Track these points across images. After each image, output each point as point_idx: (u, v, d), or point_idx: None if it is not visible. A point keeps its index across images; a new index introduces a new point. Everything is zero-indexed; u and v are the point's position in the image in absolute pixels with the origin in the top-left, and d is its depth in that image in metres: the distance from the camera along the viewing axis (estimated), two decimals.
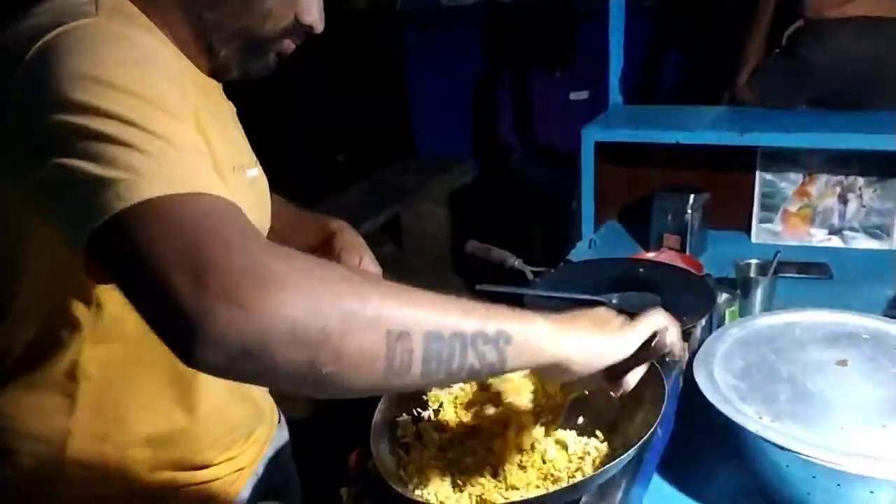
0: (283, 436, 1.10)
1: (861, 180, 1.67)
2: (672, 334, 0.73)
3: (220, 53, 0.78)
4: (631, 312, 0.71)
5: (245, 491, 0.96)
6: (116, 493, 0.84)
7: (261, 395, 0.97)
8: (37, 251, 0.71)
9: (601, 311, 0.71)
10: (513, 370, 0.61)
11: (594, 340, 0.66)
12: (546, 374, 0.69)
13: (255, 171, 0.90)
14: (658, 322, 0.72)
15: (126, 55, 0.63)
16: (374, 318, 0.53)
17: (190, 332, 0.49)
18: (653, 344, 0.71)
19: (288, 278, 0.51)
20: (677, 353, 0.74)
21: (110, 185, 0.55)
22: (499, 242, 1.36)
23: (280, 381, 0.54)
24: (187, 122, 0.63)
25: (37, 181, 0.61)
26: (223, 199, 0.58)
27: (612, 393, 0.73)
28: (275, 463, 1.04)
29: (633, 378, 0.72)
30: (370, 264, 1.01)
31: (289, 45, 0.81)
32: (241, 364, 0.50)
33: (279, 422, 1.09)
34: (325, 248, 1.01)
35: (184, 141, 0.60)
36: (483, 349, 0.57)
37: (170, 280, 0.50)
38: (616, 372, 0.71)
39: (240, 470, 0.94)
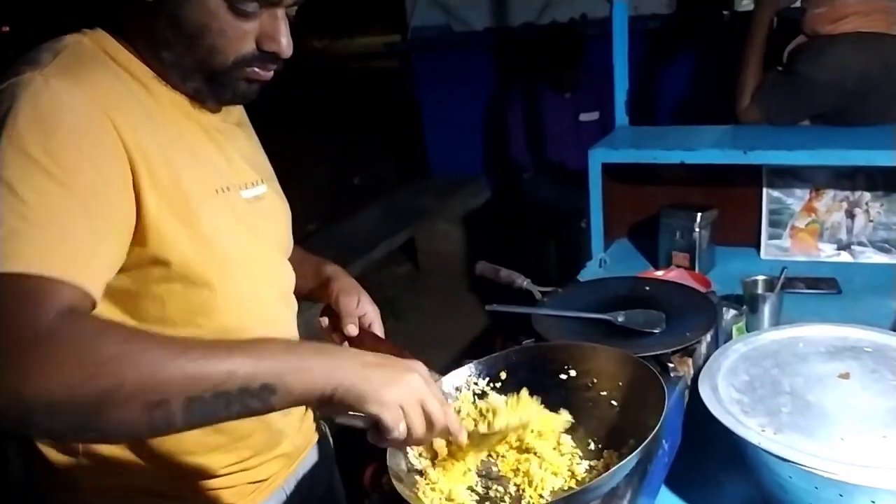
0: (320, 454, 1.12)
1: (867, 195, 1.69)
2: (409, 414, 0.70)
3: (187, 87, 0.84)
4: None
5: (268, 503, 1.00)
6: (134, 487, 0.89)
7: (276, 418, 0.99)
8: None
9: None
10: (284, 409, 0.67)
11: (369, 369, 0.69)
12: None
13: (261, 190, 0.93)
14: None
15: (43, 117, 0.69)
16: (130, 395, 0.60)
17: None
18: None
19: (46, 361, 0.59)
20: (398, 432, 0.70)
21: None
22: (512, 261, 1.40)
23: (51, 437, 0.68)
24: (88, 182, 0.70)
25: None
26: (55, 281, 0.64)
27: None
28: (311, 481, 1.08)
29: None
30: (367, 304, 1.05)
31: (256, 73, 0.85)
32: (22, 428, 0.63)
33: (319, 441, 1.12)
34: (322, 292, 1.06)
35: (61, 217, 0.67)
36: (248, 402, 0.63)
37: None
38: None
39: (258, 482, 0.98)
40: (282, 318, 0.98)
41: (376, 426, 0.69)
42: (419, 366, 0.74)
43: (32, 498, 0.94)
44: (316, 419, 1.16)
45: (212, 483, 0.93)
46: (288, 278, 1.01)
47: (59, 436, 0.65)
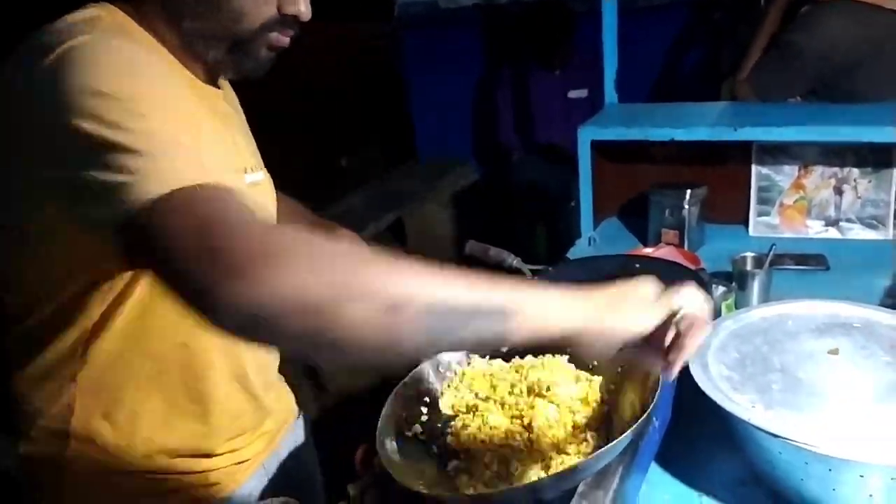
0: (299, 434, 1.12)
1: (856, 171, 1.69)
2: (697, 307, 0.70)
3: (209, 57, 0.83)
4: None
5: (249, 484, 0.99)
6: (119, 473, 0.88)
7: (264, 393, 0.99)
8: (49, 239, 0.75)
9: (633, 284, 0.70)
10: (520, 342, 0.62)
11: (604, 315, 0.65)
12: (568, 343, 0.66)
13: (259, 177, 0.94)
14: (685, 297, 0.70)
15: (121, 67, 0.69)
16: (369, 290, 0.56)
17: (206, 306, 0.57)
18: (675, 320, 0.68)
19: (287, 254, 0.56)
20: (704, 327, 0.69)
21: (122, 189, 0.62)
22: (502, 242, 1.39)
23: (290, 345, 0.61)
24: (184, 118, 0.69)
25: (57, 181, 0.68)
26: (223, 187, 0.63)
27: (660, 372, 0.71)
28: (291, 461, 1.08)
29: (678, 355, 0.68)
30: None
31: (278, 38, 0.84)
32: (253, 329, 0.57)
33: (297, 419, 1.11)
34: None
35: (181, 137, 0.66)
36: (485, 324, 0.59)
37: (184, 265, 0.58)
38: (655, 347, 0.69)
39: (242, 462, 0.97)
40: None
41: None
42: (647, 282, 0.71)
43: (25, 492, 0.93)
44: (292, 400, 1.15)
45: (202, 463, 0.92)
46: None
47: (294, 337, 0.57)
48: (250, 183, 0.91)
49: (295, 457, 1.09)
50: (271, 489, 1.03)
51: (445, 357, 0.93)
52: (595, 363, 0.90)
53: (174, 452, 0.90)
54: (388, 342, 0.57)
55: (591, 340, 0.65)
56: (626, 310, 0.67)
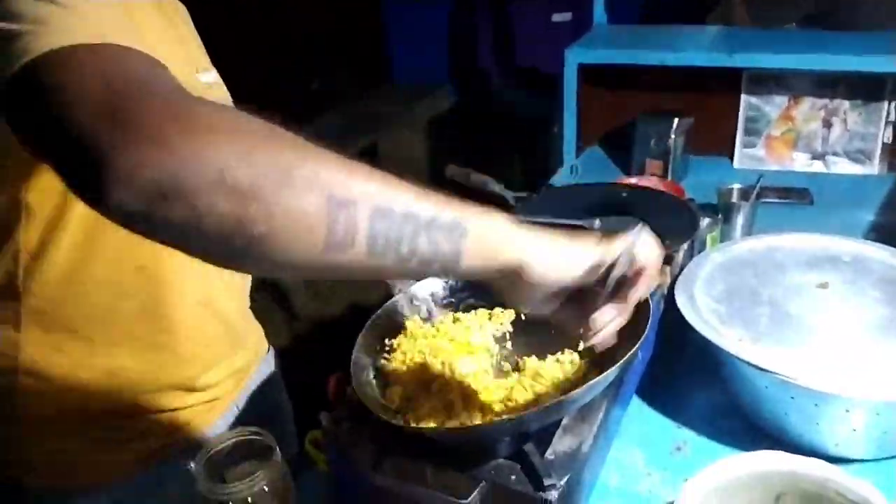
0: (269, 368, 1.08)
1: (846, 104, 1.65)
2: (649, 253, 0.63)
3: None
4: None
5: (219, 423, 0.96)
6: (73, 411, 0.83)
7: (237, 319, 0.95)
8: None
9: (581, 233, 0.62)
10: (468, 270, 0.54)
11: (558, 247, 0.58)
12: (503, 286, 0.59)
13: (211, 77, 0.86)
14: (637, 240, 0.63)
15: None
16: (315, 179, 0.46)
17: (98, 177, 0.43)
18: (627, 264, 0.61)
19: (220, 123, 0.45)
20: (652, 277, 0.64)
21: (17, 39, 0.50)
22: (478, 169, 1.33)
23: (205, 239, 0.45)
24: None
25: None
26: (146, 55, 0.51)
27: (581, 341, 0.64)
28: (261, 395, 1.04)
29: (603, 319, 0.62)
30: None
31: None
32: (158, 209, 0.43)
33: (267, 353, 1.07)
34: None
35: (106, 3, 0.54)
36: (437, 237, 0.51)
37: (78, 127, 0.44)
38: (586, 309, 0.63)
39: (213, 401, 0.93)
40: None
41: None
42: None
43: None
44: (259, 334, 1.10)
45: (174, 402, 0.88)
46: None
47: (213, 225, 0.44)
48: (204, 83, 0.83)
49: (264, 391, 1.05)
50: (241, 423, 0.99)
51: (419, 291, 0.88)
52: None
53: (140, 388, 0.85)
54: (329, 245, 0.47)
55: (539, 276, 0.57)
56: (577, 244, 0.60)
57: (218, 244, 0.45)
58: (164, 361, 0.85)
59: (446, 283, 0.91)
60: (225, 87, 0.92)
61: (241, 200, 0.43)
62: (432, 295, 0.90)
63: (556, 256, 0.58)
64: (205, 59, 0.86)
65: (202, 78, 0.82)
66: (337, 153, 0.49)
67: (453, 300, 0.91)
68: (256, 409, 1.02)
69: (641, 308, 0.75)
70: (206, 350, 0.89)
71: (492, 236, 0.54)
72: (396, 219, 0.49)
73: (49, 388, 0.80)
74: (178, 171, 0.42)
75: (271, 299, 2.76)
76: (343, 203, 0.46)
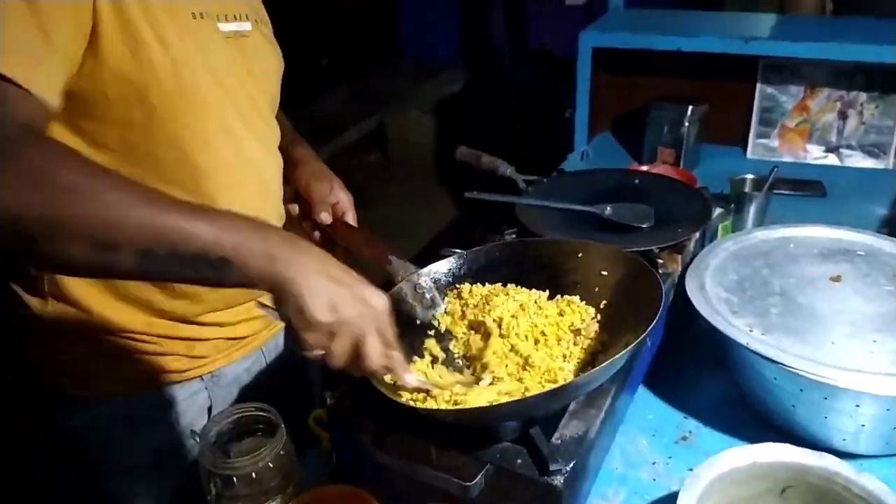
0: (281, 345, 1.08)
1: (863, 96, 1.62)
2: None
3: None
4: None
5: (242, 363, 0.97)
6: (91, 328, 0.84)
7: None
8: None
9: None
10: (232, 287, 0.61)
11: (324, 279, 0.61)
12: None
13: (245, 27, 0.85)
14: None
15: None
16: (82, 231, 0.55)
17: None
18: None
19: (2, 175, 0.53)
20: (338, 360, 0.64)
21: None
22: (487, 152, 1.31)
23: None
24: None
25: None
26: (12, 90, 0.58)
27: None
28: (292, 359, 1.05)
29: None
30: (340, 191, 0.98)
31: None
32: None
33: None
34: (289, 173, 0.98)
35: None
36: (202, 269, 0.58)
37: None
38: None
39: (233, 339, 0.94)
40: (264, 166, 0.90)
41: (294, 333, 0.63)
42: (380, 299, 0.64)
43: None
44: None
45: (184, 330, 0.89)
46: (271, 129, 0.92)
47: (5, 253, 0.58)
48: (229, 32, 0.82)
49: (294, 355, 1.05)
50: (268, 376, 1.01)
51: (422, 280, 0.87)
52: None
53: (151, 312, 0.86)
54: (103, 272, 0.58)
55: (295, 300, 0.60)
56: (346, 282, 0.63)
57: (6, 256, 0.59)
58: (176, 295, 0.86)
59: (448, 270, 0.91)
60: (267, 41, 0.90)
61: (22, 242, 0.55)
62: (436, 282, 0.89)
63: (321, 293, 0.61)
64: (236, 6, 0.84)
65: (222, 27, 0.81)
66: (127, 183, 0.58)
67: (457, 286, 0.90)
68: (283, 364, 1.03)
69: (652, 294, 0.75)
70: (209, 293, 0.89)
71: (254, 268, 0.59)
72: (162, 258, 0.57)
73: (68, 308, 0.83)
74: None
75: None
76: (107, 246, 0.56)
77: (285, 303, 0.61)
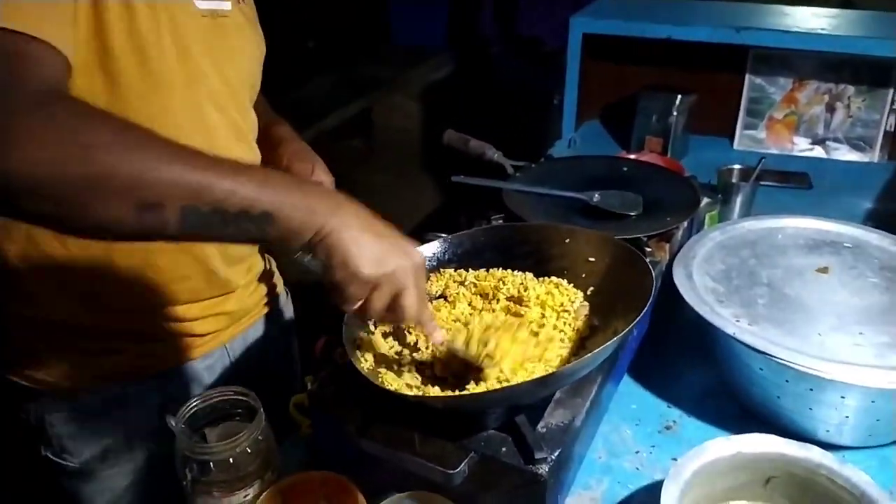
0: (277, 323, 1.06)
1: (851, 89, 1.62)
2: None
3: None
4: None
5: (204, 361, 0.94)
6: (53, 324, 0.83)
7: (218, 265, 0.91)
8: None
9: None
10: (274, 244, 0.60)
11: (369, 233, 0.61)
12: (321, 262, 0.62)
13: (223, 6, 0.81)
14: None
15: None
16: (122, 189, 0.52)
17: None
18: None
19: (36, 134, 0.50)
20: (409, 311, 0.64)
21: None
22: (474, 137, 1.29)
23: (38, 223, 0.56)
24: None
25: None
26: (23, 37, 0.55)
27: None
28: (262, 348, 1.02)
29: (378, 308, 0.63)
30: (322, 173, 0.96)
31: None
32: (2, 205, 0.51)
33: (276, 309, 1.05)
34: (270, 153, 0.95)
35: None
36: (245, 226, 0.57)
37: None
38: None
39: (196, 336, 0.91)
40: (237, 157, 0.86)
41: (334, 286, 0.62)
42: (418, 254, 0.65)
43: None
44: (278, 290, 1.08)
45: (141, 326, 0.86)
46: (247, 117, 0.89)
47: (41, 220, 0.54)
48: (205, 10, 0.78)
49: (264, 347, 1.03)
50: (234, 373, 0.97)
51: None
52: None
53: (109, 305, 0.84)
54: (143, 235, 0.55)
55: (339, 261, 0.60)
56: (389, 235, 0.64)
57: (47, 226, 0.56)
58: (133, 286, 0.84)
59: (433, 254, 0.89)
60: (249, 23, 0.87)
61: (56, 206, 0.51)
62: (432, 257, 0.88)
63: (365, 246, 0.61)
64: None
65: (204, 5, 0.78)
66: (165, 140, 0.55)
67: (440, 270, 0.88)
68: (251, 362, 1.00)
69: (642, 282, 0.74)
70: (178, 285, 0.87)
71: (296, 221, 0.58)
72: (205, 213, 0.54)
73: (28, 300, 0.82)
74: (11, 172, 0.49)
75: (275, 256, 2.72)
76: (150, 206, 0.53)
77: (329, 255, 0.60)
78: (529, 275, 0.86)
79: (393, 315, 0.65)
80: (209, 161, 0.56)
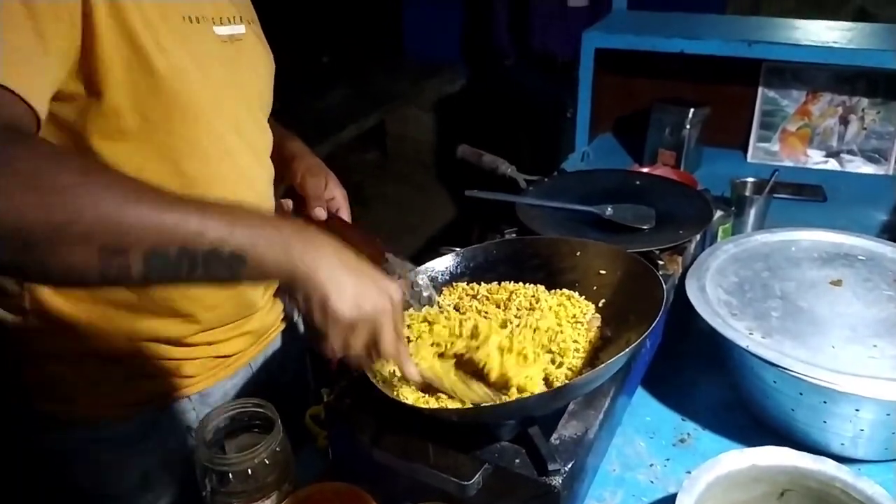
0: (291, 337, 1.07)
1: (865, 101, 1.62)
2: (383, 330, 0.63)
3: None
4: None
5: (231, 381, 0.95)
6: (82, 354, 0.83)
7: (249, 290, 0.92)
8: None
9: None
10: (247, 284, 0.60)
11: (346, 272, 0.60)
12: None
13: (239, 30, 0.82)
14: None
15: None
16: (86, 235, 0.50)
17: None
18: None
19: (8, 172, 0.49)
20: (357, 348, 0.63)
21: None
22: (487, 151, 1.30)
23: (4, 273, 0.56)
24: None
25: None
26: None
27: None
28: (280, 362, 1.03)
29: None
30: (335, 188, 0.96)
31: None
32: None
33: (290, 323, 1.06)
34: (283, 169, 0.96)
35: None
36: (214, 267, 0.55)
37: None
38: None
39: (222, 357, 0.93)
40: (256, 178, 0.88)
41: (314, 330, 0.62)
42: (395, 289, 0.65)
43: None
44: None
45: (173, 352, 0.87)
46: (263, 136, 0.90)
47: (2, 267, 0.53)
48: (225, 36, 0.80)
49: (282, 361, 1.04)
50: (254, 389, 0.98)
51: (420, 278, 0.87)
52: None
53: (140, 336, 0.84)
54: (109, 281, 0.53)
55: (320, 293, 0.59)
56: (366, 273, 0.63)
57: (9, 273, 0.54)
58: (160, 315, 0.84)
59: (445, 268, 0.90)
60: (260, 41, 0.88)
61: (17, 255, 0.50)
62: (433, 280, 0.89)
63: (343, 286, 0.59)
64: (231, 9, 0.82)
65: (219, 31, 0.79)
66: (129, 180, 0.53)
67: (453, 284, 0.89)
68: (272, 376, 1.01)
69: (653, 294, 0.74)
70: (209, 311, 0.88)
71: (269, 261, 0.56)
72: (172, 257, 0.53)
73: (55, 331, 0.81)
74: None
75: None
76: (116, 252, 0.51)
77: (307, 297, 0.59)
78: (541, 287, 0.87)
79: (370, 353, 0.64)
80: (176, 200, 0.54)
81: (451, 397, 0.71)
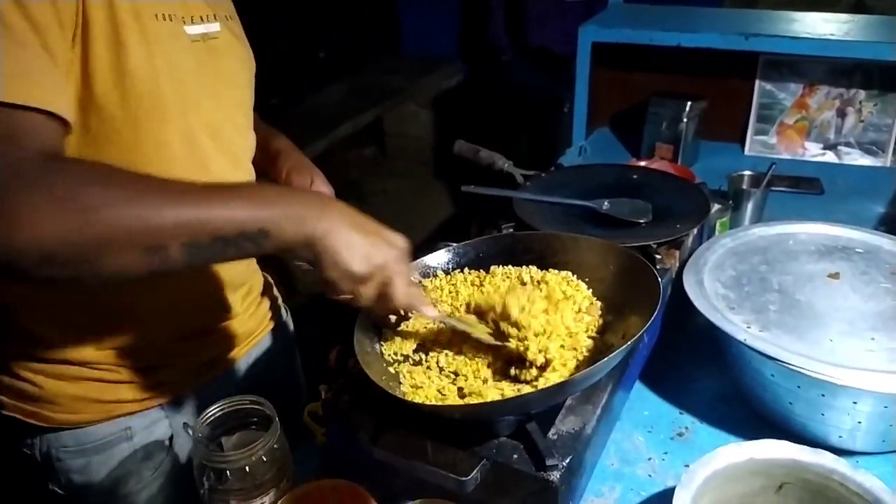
0: (278, 339, 1.07)
1: (862, 93, 1.62)
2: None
3: None
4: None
5: (214, 384, 0.95)
6: (63, 358, 0.83)
7: (227, 296, 0.93)
8: None
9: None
10: (271, 254, 0.64)
11: (354, 231, 0.65)
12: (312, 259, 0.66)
13: (212, 28, 0.81)
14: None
15: None
16: (127, 242, 0.56)
17: None
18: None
19: (38, 208, 0.53)
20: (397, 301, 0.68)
21: None
22: (485, 147, 1.30)
23: (52, 286, 0.66)
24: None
25: None
26: (19, 110, 0.57)
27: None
28: (266, 365, 1.03)
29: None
30: (322, 185, 0.96)
31: None
32: (7, 276, 0.55)
33: (277, 327, 1.06)
34: (269, 166, 0.96)
35: (12, 32, 0.59)
36: (244, 244, 0.61)
37: None
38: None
39: (202, 363, 0.93)
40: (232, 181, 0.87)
41: (328, 283, 0.66)
42: (401, 240, 0.69)
43: None
44: (279, 307, 1.09)
45: (147, 358, 0.87)
46: (242, 139, 0.90)
47: (55, 283, 0.58)
48: (196, 35, 0.79)
49: (268, 365, 1.04)
50: (237, 391, 0.97)
51: (415, 273, 0.87)
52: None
53: (112, 344, 0.85)
54: (157, 273, 0.58)
55: (330, 255, 0.64)
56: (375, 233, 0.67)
57: (64, 288, 0.67)
58: (133, 322, 0.85)
59: (438, 264, 0.90)
60: (237, 39, 0.87)
61: (68, 269, 0.55)
62: (425, 276, 0.88)
63: (353, 244, 0.64)
64: (204, 7, 0.81)
65: (190, 30, 0.78)
66: (159, 182, 0.59)
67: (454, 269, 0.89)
68: (257, 379, 1.01)
69: (650, 288, 0.74)
70: (182, 319, 0.88)
71: (289, 232, 0.62)
72: (207, 244, 0.59)
73: (24, 338, 0.82)
74: (8, 254, 0.52)
75: (272, 273, 2.75)
76: (156, 249, 0.57)
77: (321, 258, 0.63)
78: (534, 267, 0.87)
79: (384, 303, 0.68)
80: (202, 194, 0.60)
81: (454, 351, 0.76)
